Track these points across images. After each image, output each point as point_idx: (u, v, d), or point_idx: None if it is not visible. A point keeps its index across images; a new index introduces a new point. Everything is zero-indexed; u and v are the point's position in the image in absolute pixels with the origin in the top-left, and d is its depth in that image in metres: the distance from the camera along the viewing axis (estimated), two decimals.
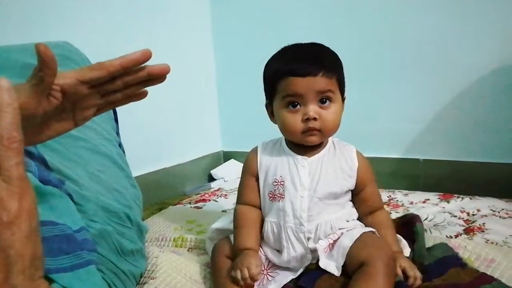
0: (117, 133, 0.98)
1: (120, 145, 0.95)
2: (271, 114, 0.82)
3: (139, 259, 0.83)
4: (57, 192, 0.67)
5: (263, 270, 0.79)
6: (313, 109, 0.74)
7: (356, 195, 0.82)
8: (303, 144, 0.79)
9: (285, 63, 0.76)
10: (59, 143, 0.80)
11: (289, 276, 0.78)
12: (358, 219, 0.83)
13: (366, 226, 0.80)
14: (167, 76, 0.50)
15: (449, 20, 1.37)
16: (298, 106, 0.75)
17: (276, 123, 0.82)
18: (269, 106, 0.82)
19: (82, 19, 1.31)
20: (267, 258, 0.81)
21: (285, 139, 0.83)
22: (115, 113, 1.00)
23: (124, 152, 0.95)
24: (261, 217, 0.83)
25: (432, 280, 0.73)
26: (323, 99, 0.75)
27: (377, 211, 0.83)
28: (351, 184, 0.80)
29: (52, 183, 0.72)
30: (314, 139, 0.77)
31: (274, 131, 0.85)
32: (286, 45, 0.81)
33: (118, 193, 0.83)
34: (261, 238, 0.82)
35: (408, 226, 0.89)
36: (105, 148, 0.86)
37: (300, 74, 0.73)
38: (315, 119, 0.74)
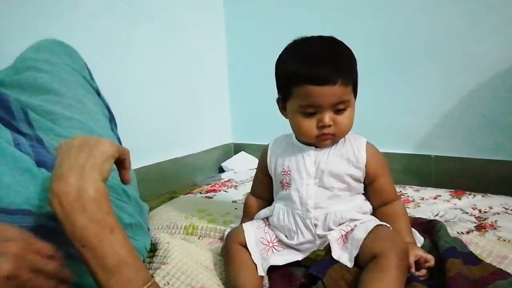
0: (113, 123, 1.00)
1: (113, 130, 0.97)
2: (282, 109, 0.83)
3: (139, 233, 0.84)
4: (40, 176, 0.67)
5: (268, 242, 0.82)
6: (328, 116, 0.74)
7: (368, 186, 0.82)
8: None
9: (302, 66, 0.73)
10: (52, 121, 0.81)
11: (294, 256, 0.79)
12: (372, 213, 0.82)
13: (380, 218, 0.80)
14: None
15: (462, 15, 1.35)
16: (314, 114, 0.75)
17: (286, 118, 0.82)
18: (281, 101, 0.82)
19: (83, 15, 1.32)
20: (274, 233, 0.83)
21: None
22: (109, 111, 1.01)
23: (119, 139, 0.97)
24: (262, 207, 0.90)
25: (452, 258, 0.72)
26: (339, 109, 0.75)
27: (392, 202, 0.82)
28: (358, 174, 0.80)
29: (48, 165, 0.73)
30: (327, 143, 0.79)
31: (285, 124, 0.85)
32: (298, 38, 0.80)
33: (113, 171, 0.85)
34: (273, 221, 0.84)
35: (428, 223, 0.89)
36: (99, 130, 0.87)
37: (318, 82, 0.72)
38: (329, 125, 0.75)
